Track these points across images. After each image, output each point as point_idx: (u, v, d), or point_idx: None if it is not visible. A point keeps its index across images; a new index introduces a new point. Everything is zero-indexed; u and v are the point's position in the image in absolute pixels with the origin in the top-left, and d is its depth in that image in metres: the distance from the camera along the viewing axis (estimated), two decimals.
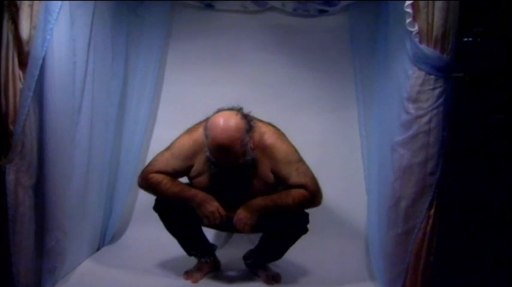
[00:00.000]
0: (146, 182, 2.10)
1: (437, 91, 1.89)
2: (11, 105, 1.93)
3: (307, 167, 2.09)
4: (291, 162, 2.07)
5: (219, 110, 2.02)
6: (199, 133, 2.09)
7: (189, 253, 2.25)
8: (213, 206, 2.02)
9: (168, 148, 2.15)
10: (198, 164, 2.10)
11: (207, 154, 2.01)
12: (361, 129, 2.83)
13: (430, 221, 1.94)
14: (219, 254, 2.39)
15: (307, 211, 2.11)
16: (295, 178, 2.05)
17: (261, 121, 2.14)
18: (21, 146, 1.94)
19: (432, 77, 1.88)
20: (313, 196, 2.05)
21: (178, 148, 2.13)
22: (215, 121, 1.95)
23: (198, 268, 2.25)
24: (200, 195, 2.04)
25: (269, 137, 2.10)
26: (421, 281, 1.96)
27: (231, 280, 2.28)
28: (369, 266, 2.43)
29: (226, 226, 2.10)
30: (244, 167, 2.02)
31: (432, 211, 1.94)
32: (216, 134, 1.92)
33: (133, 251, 2.60)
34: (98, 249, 2.60)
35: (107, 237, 2.71)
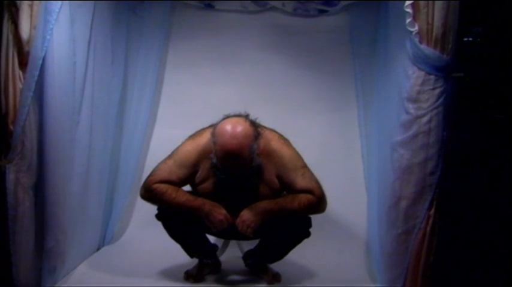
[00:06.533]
0: (150, 193, 2.07)
1: (437, 91, 1.89)
2: (11, 105, 1.93)
3: (312, 173, 2.09)
4: (297, 167, 2.07)
5: (226, 117, 2.00)
6: (203, 139, 2.08)
7: (191, 255, 2.25)
8: (221, 214, 2.01)
9: (170, 156, 2.12)
10: (203, 170, 2.09)
11: (214, 160, 1.99)
12: (361, 130, 2.83)
13: (430, 221, 1.94)
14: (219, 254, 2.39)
15: None
16: (301, 183, 2.05)
17: (266, 127, 2.13)
18: (21, 146, 1.95)
19: (432, 77, 1.88)
20: (320, 201, 2.05)
21: (183, 155, 2.10)
22: (223, 128, 1.93)
23: (198, 268, 2.25)
24: (207, 204, 2.02)
25: (275, 143, 2.10)
26: (421, 281, 1.96)
27: (231, 279, 2.27)
28: (369, 266, 2.43)
29: (230, 232, 2.10)
30: (250, 173, 2.01)
31: (432, 211, 1.94)
32: (225, 141, 1.91)
33: (133, 251, 2.61)
34: (98, 249, 2.60)
35: (107, 237, 2.71)
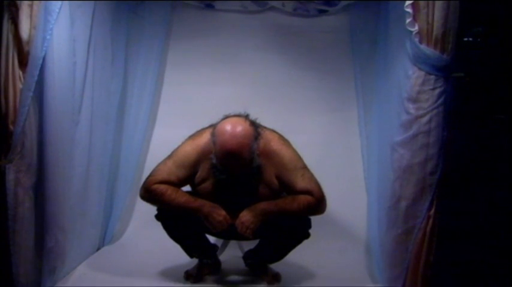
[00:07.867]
0: (150, 194, 2.06)
1: (437, 91, 1.89)
2: (11, 105, 1.93)
3: (312, 174, 2.08)
4: (297, 168, 2.07)
5: (226, 117, 2.00)
6: (203, 139, 2.08)
7: (191, 255, 2.24)
8: (220, 215, 2.00)
9: (170, 156, 2.11)
10: (203, 170, 2.08)
11: (213, 160, 1.99)
12: (361, 130, 2.83)
13: (430, 221, 1.94)
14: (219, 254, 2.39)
15: None
16: (301, 183, 2.04)
17: (266, 128, 2.13)
18: (21, 146, 1.95)
19: (432, 77, 1.88)
20: (319, 202, 2.04)
21: (182, 155, 2.09)
22: (223, 127, 1.93)
23: (198, 268, 2.25)
24: (207, 205, 2.02)
25: (274, 144, 2.09)
26: (421, 281, 1.96)
27: (231, 279, 2.27)
28: (369, 266, 2.43)
29: (229, 233, 2.10)
30: (249, 174, 2.01)
31: (432, 211, 1.94)
32: (224, 141, 1.90)
33: (133, 251, 2.60)
34: (98, 249, 2.60)
35: (107, 237, 2.71)
